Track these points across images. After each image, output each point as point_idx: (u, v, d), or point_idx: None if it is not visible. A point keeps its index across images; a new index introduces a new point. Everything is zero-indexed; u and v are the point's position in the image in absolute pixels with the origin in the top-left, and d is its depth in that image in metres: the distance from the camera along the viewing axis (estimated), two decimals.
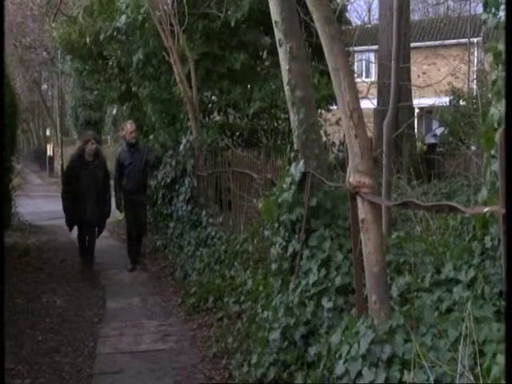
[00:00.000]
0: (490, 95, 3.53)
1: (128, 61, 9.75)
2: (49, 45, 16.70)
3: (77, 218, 8.22)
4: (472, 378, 2.22)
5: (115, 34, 9.52)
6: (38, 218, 13.23)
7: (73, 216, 8.24)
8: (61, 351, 5.32)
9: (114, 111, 13.53)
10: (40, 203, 16.33)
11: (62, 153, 28.36)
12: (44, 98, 35.49)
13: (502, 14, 3.42)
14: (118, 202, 8.63)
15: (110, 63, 10.30)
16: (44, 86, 37.62)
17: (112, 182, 8.71)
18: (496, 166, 3.16)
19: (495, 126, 3.33)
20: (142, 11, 8.85)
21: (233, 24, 8.67)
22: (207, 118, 9.99)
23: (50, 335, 5.74)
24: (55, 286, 7.63)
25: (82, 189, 8.01)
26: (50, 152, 35.84)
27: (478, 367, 2.29)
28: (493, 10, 3.38)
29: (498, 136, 1.93)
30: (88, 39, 10.08)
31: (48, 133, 39.72)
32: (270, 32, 8.33)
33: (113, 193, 8.66)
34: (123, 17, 9.05)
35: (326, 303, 4.07)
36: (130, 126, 8.67)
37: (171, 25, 8.48)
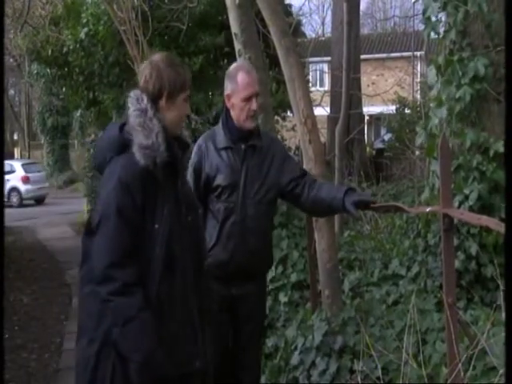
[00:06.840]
0: (431, 104, 3.62)
1: (91, 69, 9.64)
2: (15, 52, 16.23)
3: None
4: (415, 365, 2.27)
5: (78, 46, 9.42)
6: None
7: None
8: (28, 348, 5.17)
9: (79, 113, 13.29)
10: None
11: (29, 156, 28.36)
12: (11, 104, 34.56)
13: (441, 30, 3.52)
14: None
15: (75, 71, 10.14)
16: (11, 92, 36.66)
17: None
18: (436, 166, 3.24)
19: (436, 132, 3.42)
20: (101, 22, 8.80)
21: (185, 27, 8.65)
22: None
23: (17, 333, 5.57)
24: (22, 285, 7.42)
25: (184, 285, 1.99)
26: (17, 155, 35.06)
27: (421, 355, 2.34)
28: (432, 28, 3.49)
29: (439, 141, 1.99)
30: (52, 50, 9.93)
31: (15, 137, 38.76)
32: (226, 34, 8.38)
33: None
34: (85, 29, 9.00)
35: (283, 298, 4.10)
36: (243, 75, 2.67)
37: (135, 35, 8.42)
